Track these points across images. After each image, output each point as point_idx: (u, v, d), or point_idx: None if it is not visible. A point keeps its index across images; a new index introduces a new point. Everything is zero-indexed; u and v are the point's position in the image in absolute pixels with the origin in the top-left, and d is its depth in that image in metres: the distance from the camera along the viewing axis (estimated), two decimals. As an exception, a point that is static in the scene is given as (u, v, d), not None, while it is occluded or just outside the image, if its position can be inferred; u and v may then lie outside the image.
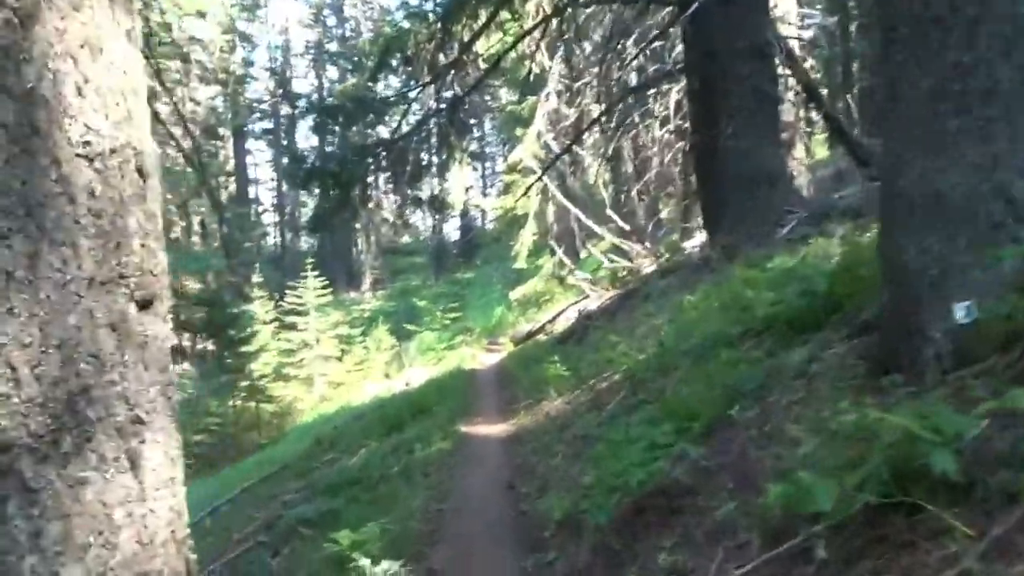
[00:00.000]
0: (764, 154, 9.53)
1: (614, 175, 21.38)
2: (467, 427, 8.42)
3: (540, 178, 13.94)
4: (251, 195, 49.27)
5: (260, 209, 50.22)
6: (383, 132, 15.05)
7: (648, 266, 14.74)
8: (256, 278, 23.92)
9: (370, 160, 12.74)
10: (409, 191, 13.96)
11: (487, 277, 30.43)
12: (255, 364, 19.90)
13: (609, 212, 14.46)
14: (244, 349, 19.46)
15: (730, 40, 9.58)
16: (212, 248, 38.28)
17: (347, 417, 14.70)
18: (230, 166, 39.61)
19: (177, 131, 30.34)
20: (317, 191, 13.36)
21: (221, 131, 38.72)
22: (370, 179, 13.21)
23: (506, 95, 25.77)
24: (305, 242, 48.92)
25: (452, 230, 44.94)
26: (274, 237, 49.15)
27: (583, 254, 21.10)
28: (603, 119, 13.86)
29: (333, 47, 45.24)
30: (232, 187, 39.33)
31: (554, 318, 15.30)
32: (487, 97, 37.04)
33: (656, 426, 3.88)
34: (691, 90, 10.75)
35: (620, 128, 17.07)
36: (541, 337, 15.13)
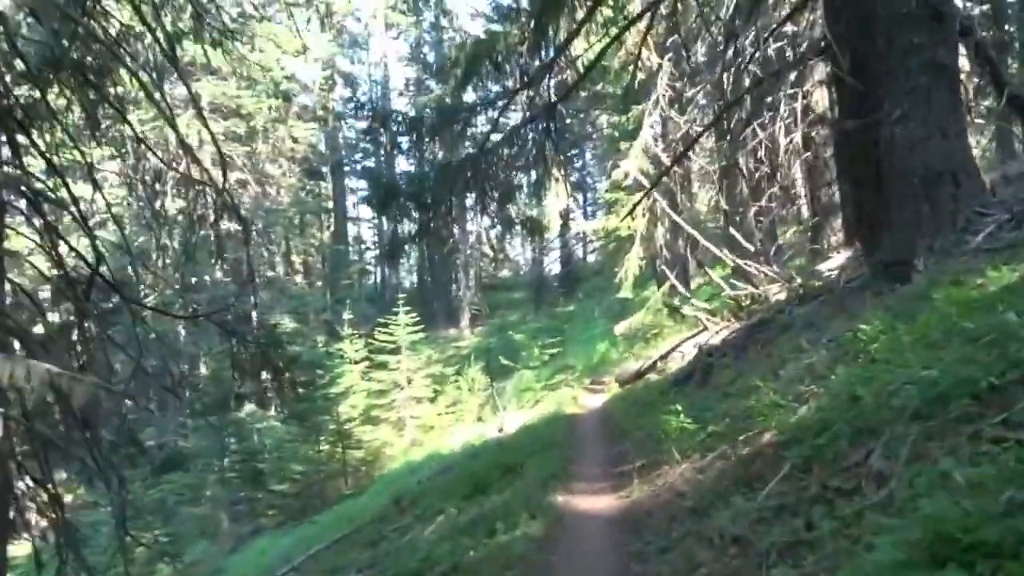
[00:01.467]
0: (944, 143, 7.37)
1: (729, 193, 19.23)
2: (564, 496, 6.58)
3: (649, 193, 12.07)
4: (353, 233, 49.43)
5: (362, 248, 50.27)
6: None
7: (776, 293, 12.56)
8: (347, 315, 22.87)
9: (454, 179, 11.24)
10: (499, 213, 12.39)
11: (588, 311, 28.55)
12: (342, 407, 18.69)
13: (731, 231, 12.39)
14: (330, 391, 18.30)
15: (894, 2, 7.55)
16: (315, 287, 38.26)
17: (433, 468, 13.13)
18: (330, 204, 39.56)
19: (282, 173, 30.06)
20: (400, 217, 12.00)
21: (324, 169, 38.79)
22: (456, 200, 11.68)
23: (607, 121, 24.03)
24: (406, 279, 48.55)
25: (552, 263, 43.38)
26: (375, 275, 48.96)
27: (695, 283, 18.95)
28: (719, 124, 11.89)
29: (432, 84, 44.92)
30: (332, 224, 39.21)
31: (666, 355, 13.30)
32: (588, 127, 35.51)
33: (921, 572, 1.98)
34: (837, 73, 8.72)
35: (737, 137, 15.05)
36: (652, 377, 13.13)
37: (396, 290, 41.78)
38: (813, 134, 15.70)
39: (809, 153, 15.88)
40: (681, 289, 14.09)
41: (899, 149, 7.42)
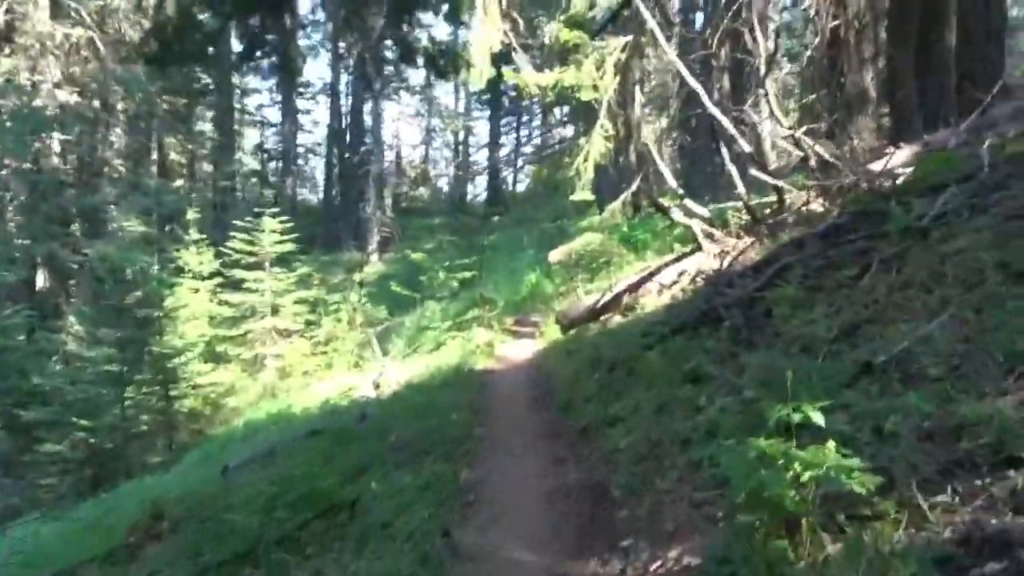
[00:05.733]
0: None
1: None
2: None
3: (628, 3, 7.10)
4: (255, 139, 43.05)
5: (264, 157, 43.77)
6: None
7: (813, 199, 7.89)
8: (192, 214, 17.20)
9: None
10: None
11: (516, 239, 23.68)
12: (172, 337, 13.42)
13: (768, 93, 7.58)
14: (152, 312, 12.97)
15: None
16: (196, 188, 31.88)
17: (263, 444, 8.24)
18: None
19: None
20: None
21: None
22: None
23: None
24: (311, 196, 42.69)
25: (476, 188, 38.15)
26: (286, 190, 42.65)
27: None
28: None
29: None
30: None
31: (638, 284, 8.59)
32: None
33: None
34: None
35: None
36: (615, 318, 8.41)
37: (294, 204, 36.11)
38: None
39: (839, 21, 11.29)
40: (670, 180, 9.21)
41: None
